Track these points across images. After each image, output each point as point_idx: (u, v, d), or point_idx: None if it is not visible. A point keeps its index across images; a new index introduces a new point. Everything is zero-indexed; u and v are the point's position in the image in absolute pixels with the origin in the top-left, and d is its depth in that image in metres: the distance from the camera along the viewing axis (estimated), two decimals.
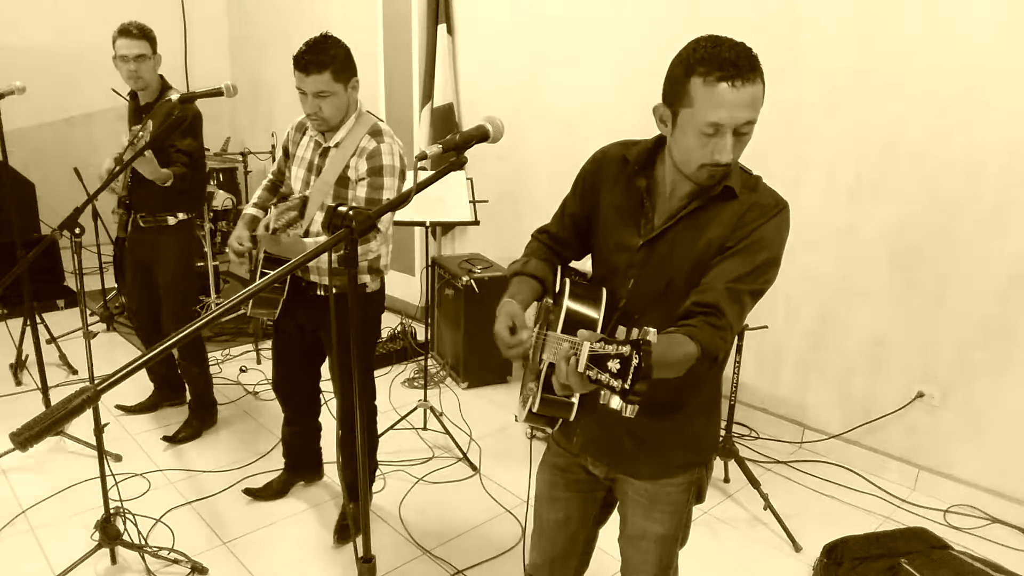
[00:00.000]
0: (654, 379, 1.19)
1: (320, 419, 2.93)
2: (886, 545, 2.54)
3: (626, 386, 1.02)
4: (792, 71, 3.16)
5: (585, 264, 1.65)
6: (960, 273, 2.86)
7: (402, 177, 2.38)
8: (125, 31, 2.98)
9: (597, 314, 1.40)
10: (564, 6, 3.94)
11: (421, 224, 3.26)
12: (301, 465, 2.97)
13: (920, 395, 3.04)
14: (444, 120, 4.50)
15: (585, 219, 1.59)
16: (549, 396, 1.41)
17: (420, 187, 1.35)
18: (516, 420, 1.64)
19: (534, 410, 1.43)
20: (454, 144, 1.37)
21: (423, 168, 3.49)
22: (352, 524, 2.68)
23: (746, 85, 1.27)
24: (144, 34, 2.99)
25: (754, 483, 2.84)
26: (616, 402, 1.05)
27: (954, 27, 2.73)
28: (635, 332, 1.05)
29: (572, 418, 1.44)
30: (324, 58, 2.19)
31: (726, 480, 3.13)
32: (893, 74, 2.90)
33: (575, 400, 1.41)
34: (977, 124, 2.74)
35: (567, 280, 1.46)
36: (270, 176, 2.70)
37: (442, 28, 4.43)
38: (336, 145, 2.36)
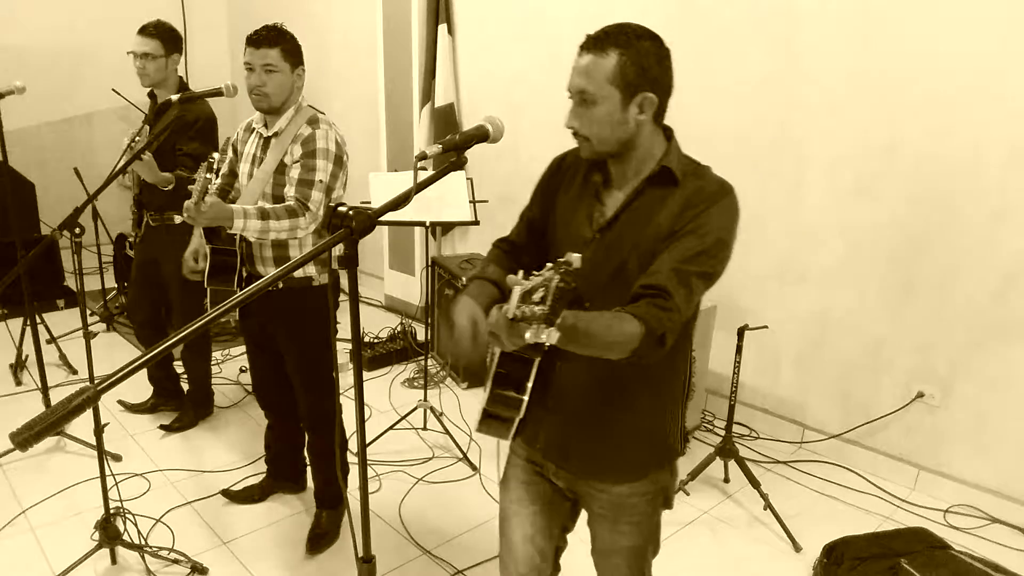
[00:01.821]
0: (595, 352, 1.23)
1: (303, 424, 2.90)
2: (886, 545, 2.54)
3: (546, 308, 1.01)
4: (792, 71, 3.16)
5: None
6: (960, 273, 2.86)
7: (338, 163, 2.38)
8: (141, 28, 3.02)
9: None
10: (564, 6, 3.94)
11: (421, 224, 3.26)
12: (282, 474, 2.94)
13: (920, 395, 3.04)
14: (444, 120, 4.50)
15: (542, 223, 1.61)
16: (499, 391, 1.41)
17: (420, 187, 1.35)
18: (472, 430, 1.64)
19: (484, 406, 1.43)
20: (454, 144, 1.37)
21: (423, 168, 3.49)
22: (330, 532, 2.68)
23: (587, 54, 1.37)
24: (157, 33, 3.01)
25: (754, 483, 2.84)
26: (544, 334, 1.03)
27: (954, 26, 2.73)
28: (558, 261, 1.05)
29: (521, 414, 1.44)
30: (276, 36, 2.31)
31: (726, 480, 3.13)
32: (893, 74, 2.90)
33: (525, 397, 1.41)
34: (977, 123, 2.73)
35: (520, 273, 1.46)
36: (219, 181, 2.66)
37: (442, 28, 4.43)
38: (276, 135, 2.39)
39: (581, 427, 1.54)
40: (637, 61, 1.38)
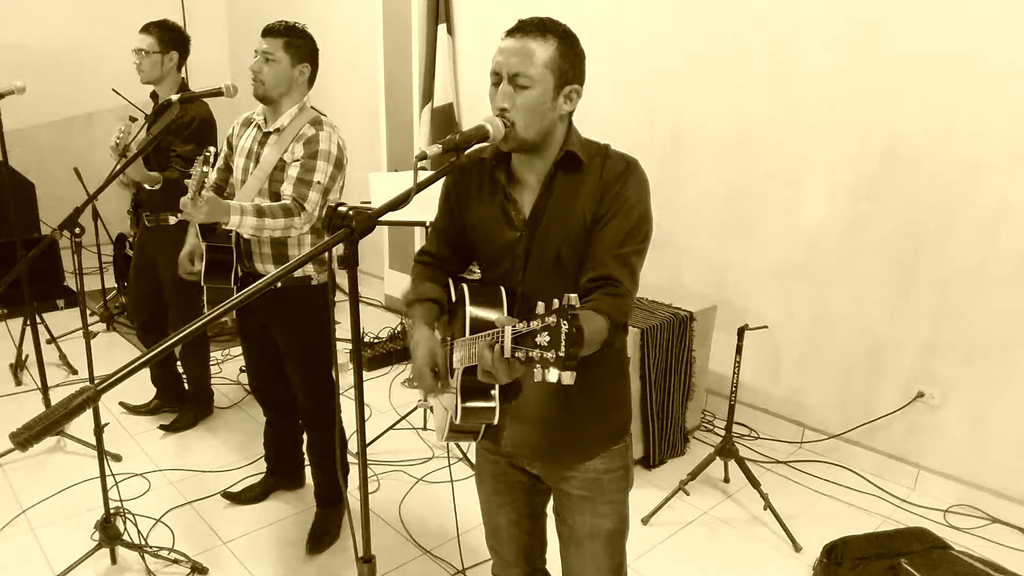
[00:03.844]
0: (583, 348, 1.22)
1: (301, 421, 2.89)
2: (886, 545, 2.55)
3: (560, 354, 1.03)
4: (792, 71, 3.16)
5: (473, 274, 1.67)
6: (960, 273, 2.86)
7: (338, 165, 2.38)
8: (143, 25, 3.04)
9: (501, 312, 1.44)
10: (563, 7, 3.94)
11: (421, 224, 3.26)
12: (282, 471, 2.95)
13: (920, 395, 3.04)
14: (444, 120, 4.50)
15: (458, 232, 1.63)
16: (470, 404, 1.41)
17: (420, 187, 1.35)
18: (439, 440, 1.68)
19: (456, 423, 1.43)
20: (454, 144, 1.37)
21: (423, 168, 3.49)
22: (330, 531, 2.68)
23: (522, 38, 1.39)
24: (156, 31, 3.02)
25: (754, 483, 2.84)
26: (554, 373, 1.05)
27: (954, 27, 2.72)
28: (555, 302, 1.06)
29: (496, 420, 1.45)
30: (285, 29, 2.35)
31: (726, 480, 3.13)
32: (893, 74, 2.90)
33: (495, 404, 1.42)
34: (977, 124, 2.73)
35: (463, 287, 1.48)
36: (214, 176, 2.63)
37: (442, 28, 4.43)
38: (277, 131, 2.38)
39: (544, 423, 1.56)
40: (571, 53, 1.43)
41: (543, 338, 1.04)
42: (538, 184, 1.50)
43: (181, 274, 2.73)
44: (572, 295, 1.05)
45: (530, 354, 1.05)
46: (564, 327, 1.03)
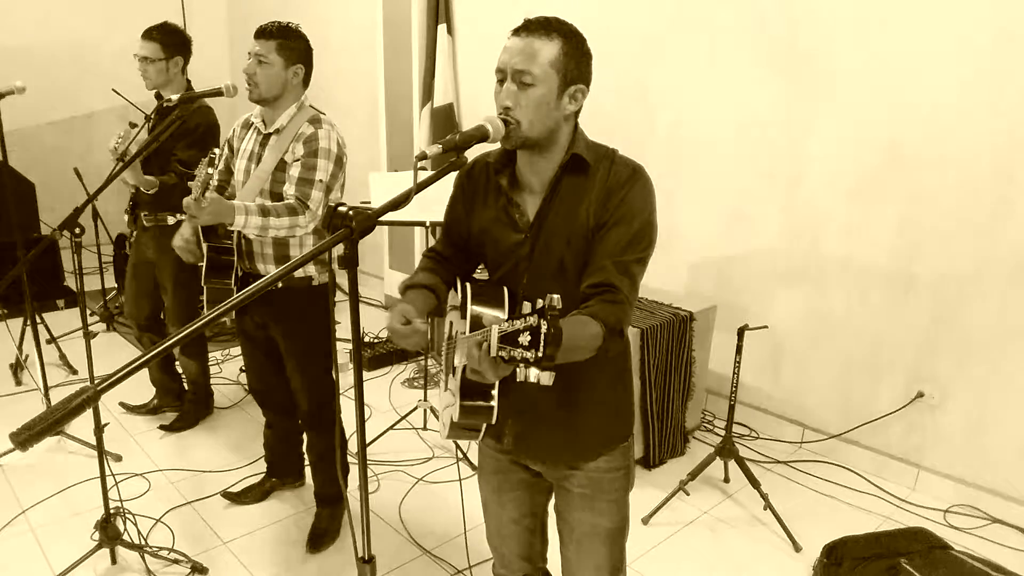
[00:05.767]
0: (567, 361, 1.23)
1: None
2: (886, 545, 2.55)
3: (539, 354, 1.04)
4: (792, 71, 3.16)
5: (482, 274, 1.68)
6: (960, 273, 2.86)
7: (338, 163, 2.38)
8: (144, 31, 3.02)
9: (502, 311, 1.45)
10: (563, 6, 3.94)
11: (421, 224, 3.27)
12: (282, 470, 2.95)
13: (920, 395, 3.04)
14: (444, 120, 4.50)
15: (463, 235, 1.64)
16: (468, 403, 1.42)
17: (420, 187, 1.35)
18: (442, 438, 1.71)
19: (455, 419, 1.44)
20: (454, 144, 1.38)
21: (423, 168, 3.49)
22: (330, 530, 2.68)
23: (528, 37, 1.39)
24: (158, 37, 3.01)
25: (754, 483, 2.84)
26: (533, 373, 1.07)
27: (954, 27, 2.73)
28: (539, 302, 1.07)
29: (494, 420, 1.45)
30: (277, 30, 2.33)
31: (726, 480, 3.12)
32: (893, 73, 2.90)
33: (494, 403, 1.42)
34: (977, 124, 2.73)
35: (467, 285, 1.49)
36: (216, 182, 2.62)
37: (442, 28, 4.43)
38: (277, 131, 2.38)
39: (545, 422, 1.57)
40: (577, 53, 1.43)
41: (525, 338, 1.05)
42: (543, 187, 1.50)
43: (177, 250, 2.70)
44: (555, 296, 1.05)
45: (512, 353, 1.05)
46: (543, 327, 1.03)
